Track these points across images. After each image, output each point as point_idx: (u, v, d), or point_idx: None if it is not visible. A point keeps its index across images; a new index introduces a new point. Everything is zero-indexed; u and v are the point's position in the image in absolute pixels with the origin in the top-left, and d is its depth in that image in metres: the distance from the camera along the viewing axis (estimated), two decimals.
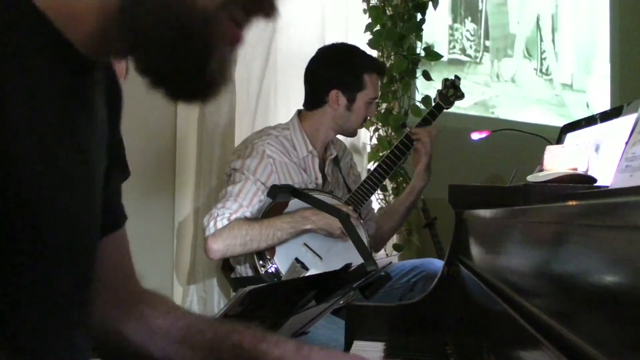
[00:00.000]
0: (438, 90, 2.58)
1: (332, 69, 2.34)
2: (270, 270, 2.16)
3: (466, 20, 4.02)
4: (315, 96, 2.37)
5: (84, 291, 0.78)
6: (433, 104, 2.58)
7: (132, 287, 0.95)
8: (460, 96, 2.57)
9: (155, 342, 0.89)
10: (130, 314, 0.91)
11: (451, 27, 3.92)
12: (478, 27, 4.07)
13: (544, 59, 4.39)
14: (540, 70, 4.39)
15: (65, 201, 0.69)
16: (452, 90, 2.54)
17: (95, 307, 0.86)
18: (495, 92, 4.16)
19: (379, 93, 2.45)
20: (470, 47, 4.04)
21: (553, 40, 4.45)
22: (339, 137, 2.50)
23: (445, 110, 2.55)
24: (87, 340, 0.79)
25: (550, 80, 4.44)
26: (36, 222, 0.66)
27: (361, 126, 2.47)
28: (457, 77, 2.62)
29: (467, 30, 4.01)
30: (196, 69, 0.68)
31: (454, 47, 3.94)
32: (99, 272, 0.83)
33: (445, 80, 2.59)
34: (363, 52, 2.45)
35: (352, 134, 2.48)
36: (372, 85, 2.35)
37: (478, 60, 4.08)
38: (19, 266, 0.65)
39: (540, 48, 4.37)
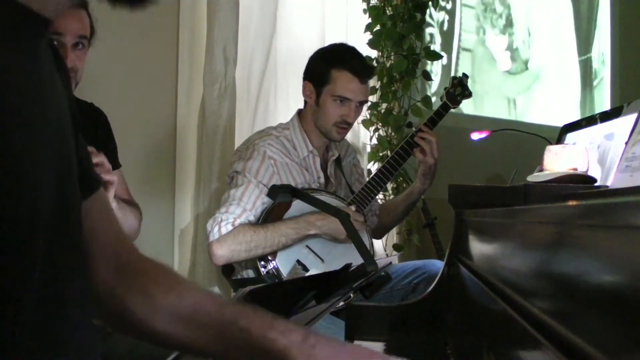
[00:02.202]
0: (445, 88, 2.51)
1: (309, 62, 2.36)
2: (271, 271, 2.16)
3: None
4: None
5: (71, 253, 0.77)
6: (441, 101, 2.50)
7: (131, 254, 0.94)
8: (468, 95, 2.50)
9: (159, 319, 0.88)
10: (133, 287, 0.90)
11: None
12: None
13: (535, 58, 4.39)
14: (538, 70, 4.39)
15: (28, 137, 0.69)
16: (459, 89, 2.48)
17: (99, 278, 0.87)
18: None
19: (356, 96, 2.29)
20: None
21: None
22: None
23: (452, 109, 2.49)
24: (87, 316, 0.79)
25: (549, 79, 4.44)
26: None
27: (340, 129, 2.30)
28: (465, 75, 2.54)
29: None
30: None
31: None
32: (94, 238, 0.83)
33: (453, 79, 2.52)
34: (344, 50, 2.36)
35: (327, 134, 2.32)
36: (339, 81, 2.26)
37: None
38: None
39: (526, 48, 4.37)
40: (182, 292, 0.90)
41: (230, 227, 2.13)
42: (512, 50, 4.24)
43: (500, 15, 4.21)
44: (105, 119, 2.06)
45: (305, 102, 2.38)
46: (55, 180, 0.73)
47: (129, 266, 0.92)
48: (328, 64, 2.29)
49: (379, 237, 2.73)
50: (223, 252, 2.12)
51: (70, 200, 0.77)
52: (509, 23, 4.25)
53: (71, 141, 0.80)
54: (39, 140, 0.69)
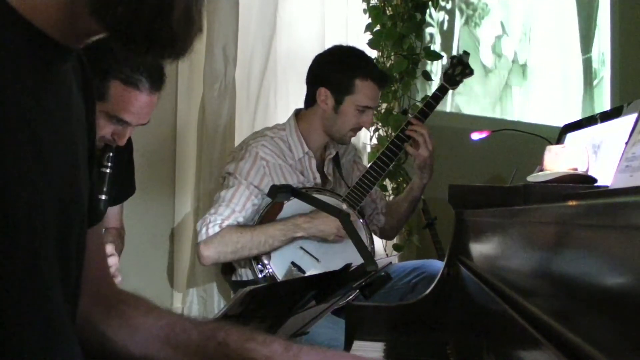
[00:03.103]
0: (444, 69, 2.44)
1: (326, 67, 2.31)
2: (266, 275, 2.15)
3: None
4: (308, 93, 2.35)
5: (71, 277, 0.78)
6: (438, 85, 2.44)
7: (111, 285, 0.95)
8: (469, 73, 2.43)
9: (136, 341, 0.88)
10: (111, 312, 0.90)
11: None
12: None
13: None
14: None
15: (42, 172, 0.70)
16: (459, 68, 2.41)
17: (80, 302, 0.86)
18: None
19: (375, 103, 2.32)
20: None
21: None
22: None
23: (450, 91, 2.43)
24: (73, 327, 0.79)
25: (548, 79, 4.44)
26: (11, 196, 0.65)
27: (353, 133, 2.34)
28: (466, 53, 2.47)
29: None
30: (159, 14, 0.67)
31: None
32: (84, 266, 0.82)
33: (452, 58, 2.45)
34: (364, 57, 2.36)
35: (341, 140, 2.34)
36: (364, 92, 2.26)
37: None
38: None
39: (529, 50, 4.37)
40: (159, 314, 0.90)
41: (217, 229, 2.14)
42: (511, 48, 4.24)
43: (499, 13, 4.21)
44: (129, 142, 1.97)
45: (307, 103, 2.36)
46: (57, 216, 0.73)
47: (107, 296, 0.93)
48: (351, 72, 2.26)
49: (390, 237, 2.73)
50: (209, 253, 2.14)
51: (72, 234, 0.77)
52: (507, 21, 4.25)
53: (82, 170, 0.80)
54: (37, 172, 0.69)
